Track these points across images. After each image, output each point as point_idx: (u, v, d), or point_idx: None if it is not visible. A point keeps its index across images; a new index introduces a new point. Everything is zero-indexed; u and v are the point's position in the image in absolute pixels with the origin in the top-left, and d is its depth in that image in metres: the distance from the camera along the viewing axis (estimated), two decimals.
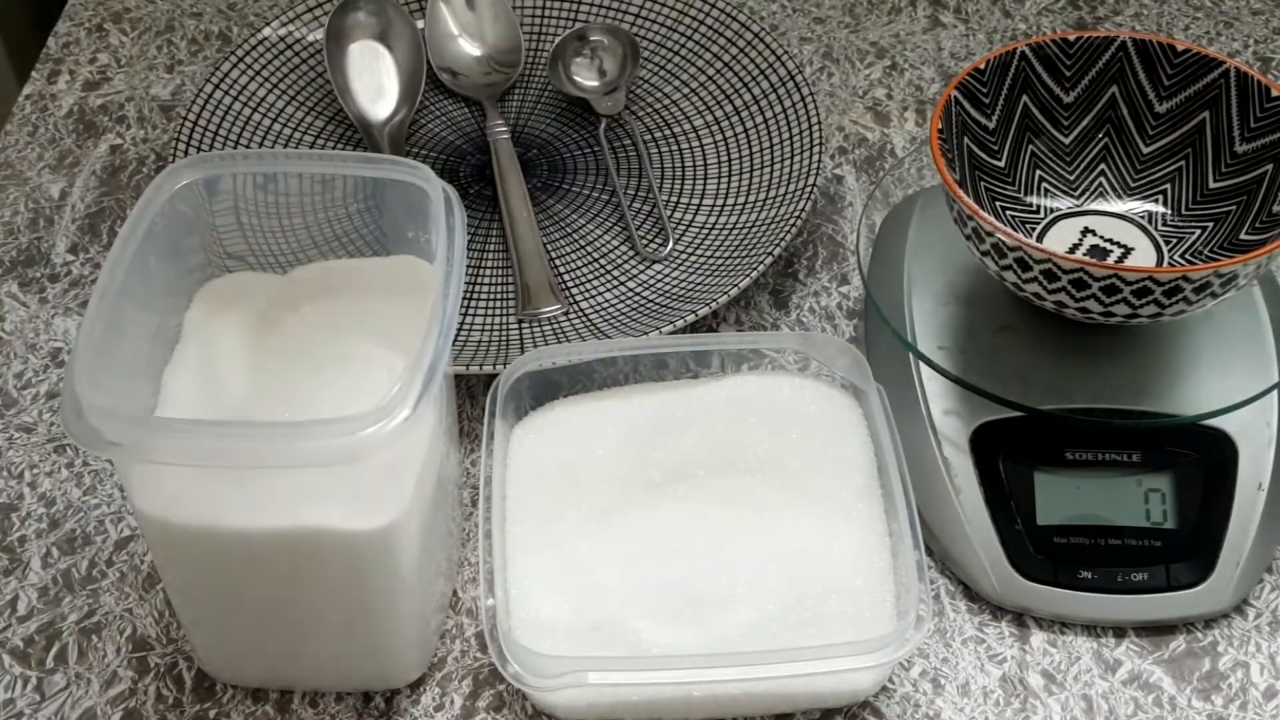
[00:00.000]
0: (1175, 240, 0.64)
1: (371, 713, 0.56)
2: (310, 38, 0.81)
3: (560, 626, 0.53)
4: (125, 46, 0.87)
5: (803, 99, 0.76)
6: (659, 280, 0.71)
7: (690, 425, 0.60)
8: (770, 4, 0.89)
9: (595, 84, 0.80)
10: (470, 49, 0.82)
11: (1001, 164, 0.65)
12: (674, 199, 0.75)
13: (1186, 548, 0.58)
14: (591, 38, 0.80)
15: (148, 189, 0.54)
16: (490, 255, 0.73)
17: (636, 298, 0.70)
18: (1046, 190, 0.66)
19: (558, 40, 0.81)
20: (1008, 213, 0.64)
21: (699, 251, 0.72)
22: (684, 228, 0.74)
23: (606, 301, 0.70)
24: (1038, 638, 0.58)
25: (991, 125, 0.65)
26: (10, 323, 0.71)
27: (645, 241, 0.73)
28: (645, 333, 0.65)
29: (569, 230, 0.74)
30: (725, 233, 0.73)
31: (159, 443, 0.47)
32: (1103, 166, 0.66)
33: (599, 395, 0.62)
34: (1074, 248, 0.64)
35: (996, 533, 0.58)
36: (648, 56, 0.82)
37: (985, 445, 0.60)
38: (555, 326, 0.69)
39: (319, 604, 0.53)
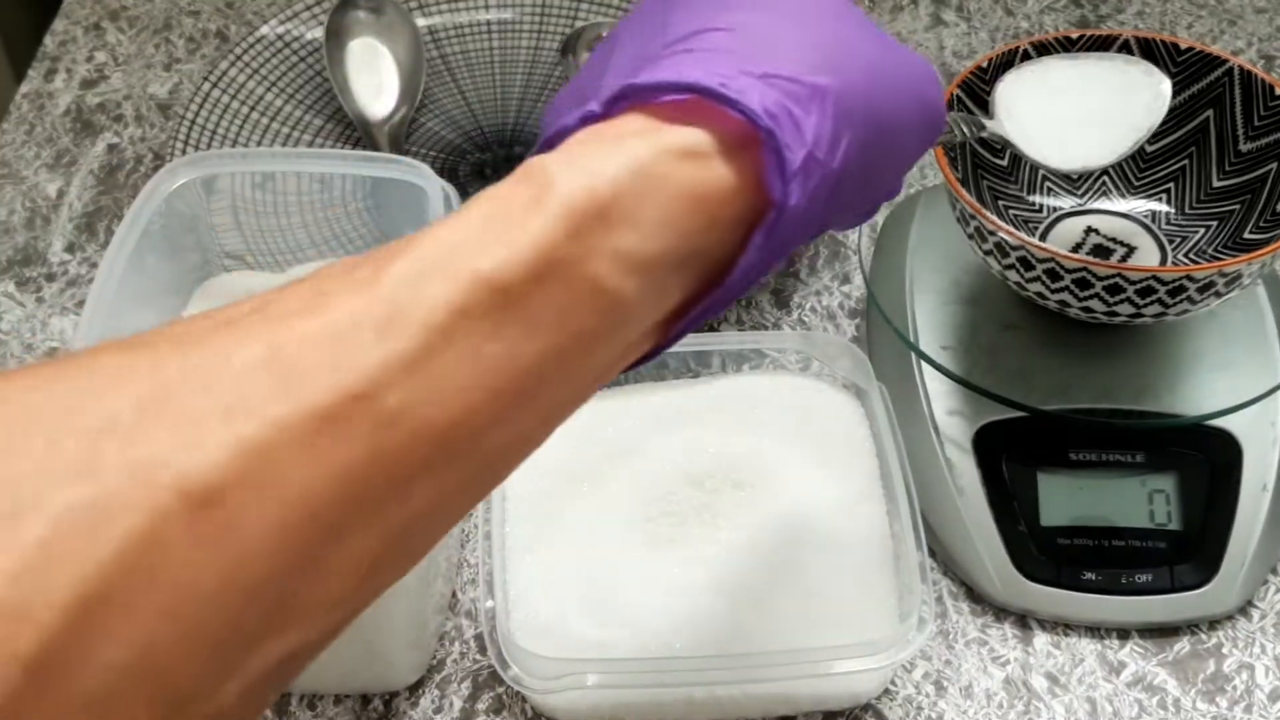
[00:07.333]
0: (1179, 239, 0.63)
1: (370, 715, 0.56)
2: (309, 36, 0.80)
3: (560, 628, 0.53)
4: (122, 45, 0.86)
5: None
6: None
7: (691, 425, 0.59)
8: None
9: None
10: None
11: (1004, 162, 0.65)
12: None
13: (1191, 549, 0.58)
14: (604, 34, 0.80)
15: (145, 188, 0.54)
16: None
17: None
18: (1049, 189, 0.66)
19: (569, 33, 0.81)
20: (1010, 212, 0.64)
21: None
22: None
23: None
24: (1041, 640, 0.58)
25: None
26: (7, 322, 0.70)
27: None
28: None
29: None
30: None
31: None
32: None
33: (599, 395, 0.61)
34: (1077, 247, 0.63)
35: (1000, 534, 0.58)
36: None
37: (988, 446, 0.60)
38: None
39: None
